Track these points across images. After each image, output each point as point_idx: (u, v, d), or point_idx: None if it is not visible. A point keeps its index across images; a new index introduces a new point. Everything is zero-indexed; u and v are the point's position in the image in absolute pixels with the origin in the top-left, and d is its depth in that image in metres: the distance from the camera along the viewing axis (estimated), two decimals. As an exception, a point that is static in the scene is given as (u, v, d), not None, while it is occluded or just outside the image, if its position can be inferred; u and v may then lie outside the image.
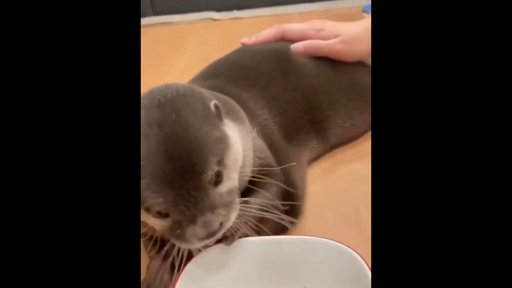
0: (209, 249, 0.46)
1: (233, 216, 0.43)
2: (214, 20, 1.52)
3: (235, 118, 0.51)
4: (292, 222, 0.52)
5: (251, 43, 0.76)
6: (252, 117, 0.58)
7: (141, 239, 0.52)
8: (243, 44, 0.79)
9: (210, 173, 0.40)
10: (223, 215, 0.42)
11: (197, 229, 0.40)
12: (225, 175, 0.43)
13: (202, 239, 0.41)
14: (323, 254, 0.45)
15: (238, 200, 0.44)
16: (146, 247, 0.53)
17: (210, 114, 0.44)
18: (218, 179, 0.42)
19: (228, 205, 0.42)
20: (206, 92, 0.49)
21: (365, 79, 0.73)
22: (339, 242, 0.45)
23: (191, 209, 0.40)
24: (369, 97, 0.77)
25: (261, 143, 0.56)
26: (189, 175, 0.39)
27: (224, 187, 0.42)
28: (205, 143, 0.41)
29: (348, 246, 0.44)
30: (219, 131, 0.43)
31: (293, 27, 0.76)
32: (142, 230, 0.48)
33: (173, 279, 0.44)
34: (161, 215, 0.41)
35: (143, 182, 0.39)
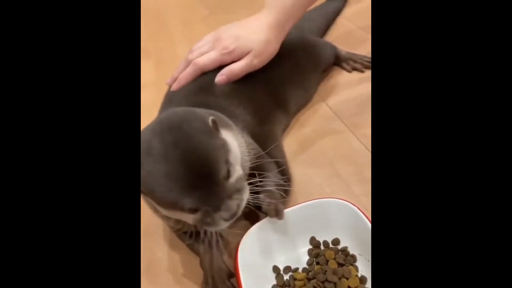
0: (253, 227, 0.60)
1: (246, 196, 0.55)
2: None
3: (226, 126, 0.63)
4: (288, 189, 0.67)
5: (176, 89, 0.80)
6: (234, 118, 0.70)
7: (178, 233, 0.66)
8: (168, 84, 0.83)
9: (222, 172, 0.52)
10: (238, 198, 0.54)
11: (222, 214, 0.52)
12: (231, 170, 0.55)
13: (227, 220, 0.53)
14: (333, 210, 0.61)
15: (246, 184, 0.57)
16: (182, 240, 0.68)
17: (210, 128, 0.55)
18: (228, 174, 0.54)
19: (240, 190, 0.55)
20: (202, 112, 0.59)
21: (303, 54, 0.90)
22: (341, 199, 0.60)
23: (215, 201, 0.52)
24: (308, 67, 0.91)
25: (248, 137, 0.68)
26: (208, 177, 0.51)
27: (233, 178, 0.55)
28: (214, 151, 0.52)
29: (348, 202, 0.59)
30: (220, 140, 0.55)
31: (205, 59, 0.79)
32: (179, 226, 0.63)
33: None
34: (193, 210, 0.53)
35: (174, 192, 0.51)
